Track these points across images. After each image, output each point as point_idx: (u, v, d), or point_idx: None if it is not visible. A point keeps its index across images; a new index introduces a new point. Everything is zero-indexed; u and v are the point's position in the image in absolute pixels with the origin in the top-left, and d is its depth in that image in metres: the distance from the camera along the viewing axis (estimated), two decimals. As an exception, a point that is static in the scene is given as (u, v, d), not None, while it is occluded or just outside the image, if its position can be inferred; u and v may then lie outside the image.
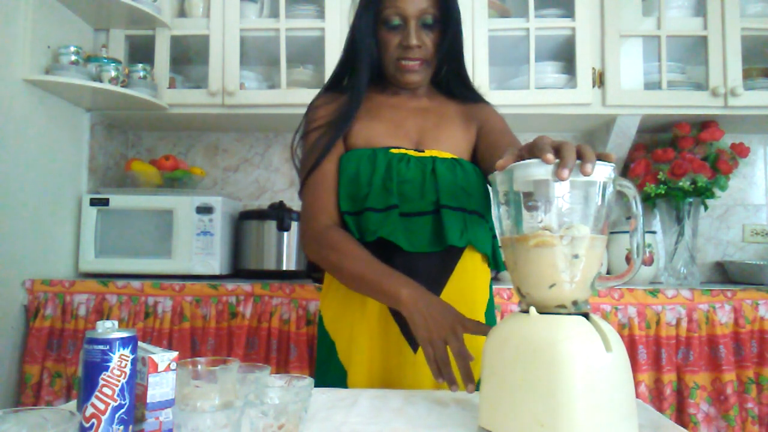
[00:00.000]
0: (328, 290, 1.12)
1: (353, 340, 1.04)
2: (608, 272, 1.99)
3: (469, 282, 1.06)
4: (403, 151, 1.06)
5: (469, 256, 1.06)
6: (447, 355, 0.85)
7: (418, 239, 1.02)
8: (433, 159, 1.06)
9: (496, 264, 1.11)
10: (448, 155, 1.07)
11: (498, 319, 1.18)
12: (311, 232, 1.05)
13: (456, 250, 1.04)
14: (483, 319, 1.08)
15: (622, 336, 1.61)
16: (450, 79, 1.17)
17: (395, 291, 0.92)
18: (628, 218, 2.11)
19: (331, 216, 1.05)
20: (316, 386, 0.87)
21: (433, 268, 1.03)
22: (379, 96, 1.15)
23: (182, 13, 2.04)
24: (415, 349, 1.02)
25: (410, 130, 1.11)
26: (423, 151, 1.07)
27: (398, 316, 1.01)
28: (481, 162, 1.11)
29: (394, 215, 1.01)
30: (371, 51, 1.09)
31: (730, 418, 1.61)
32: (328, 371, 1.07)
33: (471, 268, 1.07)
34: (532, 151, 0.68)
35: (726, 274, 2.13)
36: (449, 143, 1.10)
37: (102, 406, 0.60)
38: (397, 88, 1.14)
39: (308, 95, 1.26)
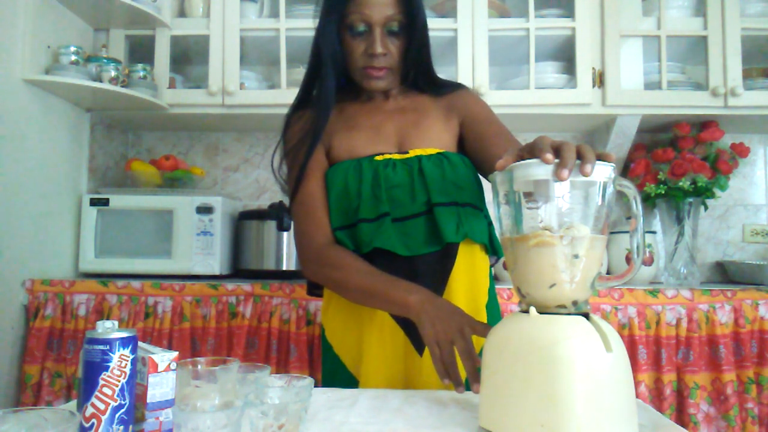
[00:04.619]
0: (329, 304, 1.11)
1: (362, 349, 1.04)
2: (608, 272, 1.99)
3: (470, 274, 1.06)
4: (387, 156, 1.05)
5: (467, 248, 1.06)
6: (454, 356, 0.85)
7: (415, 242, 1.02)
8: (419, 158, 1.04)
9: (494, 250, 1.10)
10: (432, 151, 1.06)
11: (500, 306, 1.18)
12: (309, 253, 1.04)
13: (454, 245, 1.04)
14: (486, 304, 1.08)
15: (622, 336, 1.61)
16: (419, 81, 1.15)
17: (403, 299, 0.91)
18: (628, 218, 2.11)
19: (326, 234, 1.05)
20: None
21: (434, 268, 1.03)
22: (353, 104, 1.14)
23: (182, 13, 2.04)
24: (420, 352, 1.02)
25: (390, 133, 1.10)
26: (407, 152, 1.06)
27: (402, 321, 1.01)
28: (470, 154, 1.10)
29: (387, 223, 1.01)
30: (337, 57, 1.06)
31: (730, 418, 1.61)
32: (336, 382, 1.06)
33: (470, 260, 1.06)
34: (532, 151, 0.68)
35: (726, 274, 2.13)
36: (432, 138, 1.08)
37: (102, 406, 0.60)
38: (369, 93, 1.13)
39: (308, 95, 1.26)
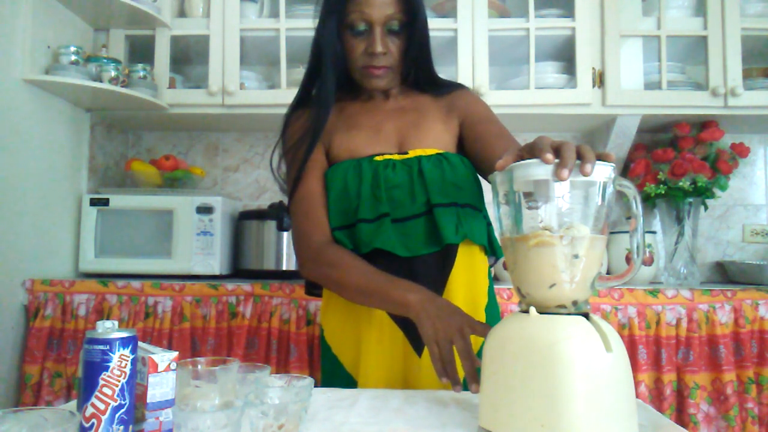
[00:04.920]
0: (327, 304, 1.11)
1: (360, 350, 1.04)
2: (608, 272, 1.99)
3: (469, 275, 1.06)
4: (387, 156, 1.05)
5: (467, 249, 1.05)
6: (452, 355, 0.85)
7: (414, 243, 1.02)
8: (419, 159, 1.04)
9: (493, 251, 1.10)
10: (432, 151, 1.06)
11: (500, 307, 1.18)
12: (307, 253, 1.04)
13: (453, 246, 1.04)
14: (485, 305, 1.08)
15: (622, 336, 1.61)
16: (420, 80, 1.15)
17: (402, 297, 0.91)
18: (628, 218, 2.10)
19: (325, 233, 1.04)
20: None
21: (433, 268, 1.03)
22: (353, 104, 1.14)
23: (182, 13, 2.04)
24: (419, 353, 1.02)
25: (390, 133, 1.09)
26: (407, 153, 1.06)
27: (401, 321, 1.01)
28: (470, 154, 1.10)
29: (386, 223, 1.01)
30: (337, 56, 1.06)
31: (730, 418, 1.61)
32: (335, 383, 1.06)
33: (469, 261, 1.06)
34: (532, 151, 0.68)
35: (726, 274, 2.13)
36: (431, 139, 1.08)
37: (102, 406, 0.60)
38: (369, 92, 1.13)
39: (308, 95, 1.26)
